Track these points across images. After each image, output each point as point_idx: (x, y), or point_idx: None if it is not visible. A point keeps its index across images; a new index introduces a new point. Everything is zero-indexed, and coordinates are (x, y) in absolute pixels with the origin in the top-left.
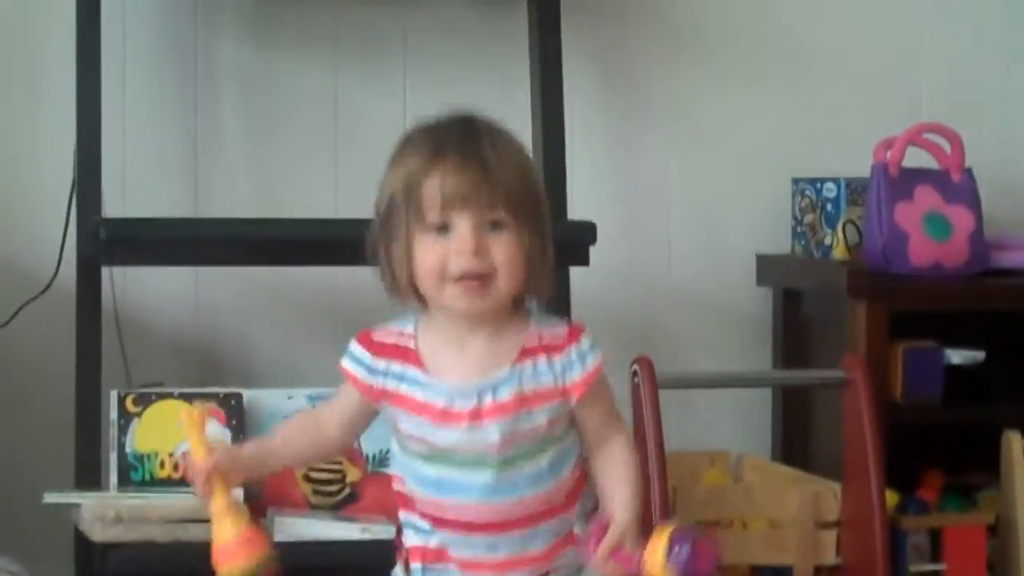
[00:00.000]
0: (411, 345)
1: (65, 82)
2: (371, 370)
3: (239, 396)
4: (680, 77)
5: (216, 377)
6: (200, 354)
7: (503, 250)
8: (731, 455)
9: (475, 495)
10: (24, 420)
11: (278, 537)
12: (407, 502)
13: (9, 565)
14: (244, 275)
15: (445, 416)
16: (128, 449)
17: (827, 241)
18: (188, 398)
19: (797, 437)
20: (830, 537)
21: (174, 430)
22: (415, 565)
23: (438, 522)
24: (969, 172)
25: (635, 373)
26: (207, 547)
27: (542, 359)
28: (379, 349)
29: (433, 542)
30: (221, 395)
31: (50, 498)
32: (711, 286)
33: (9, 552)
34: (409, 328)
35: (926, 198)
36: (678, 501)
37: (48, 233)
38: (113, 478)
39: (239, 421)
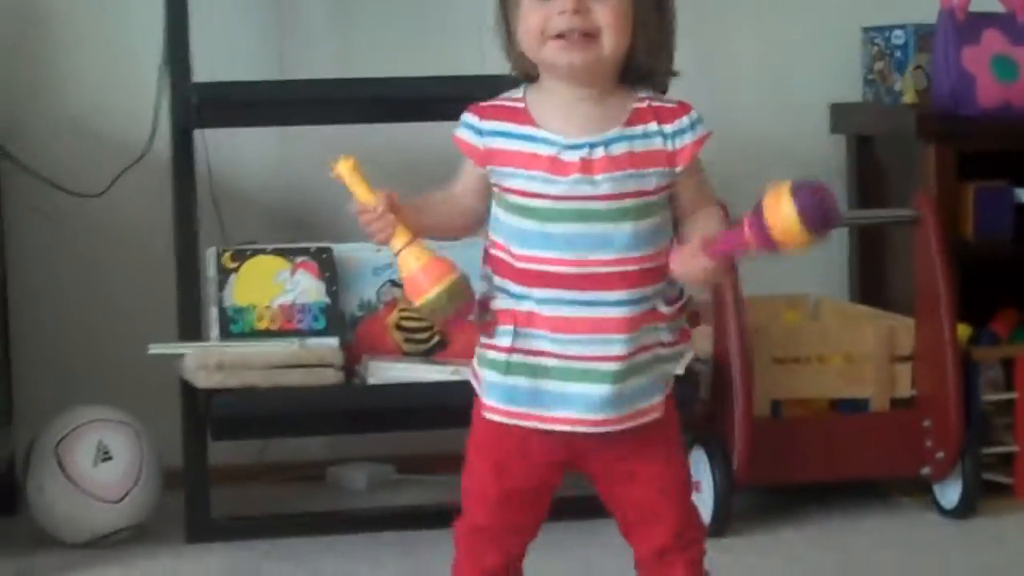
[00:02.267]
0: (520, 107)
1: None
2: (479, 131)
3: (329, 250)
4: None
5: (306, 233)
6: (291, 212)
7: (606, 13)
8: (809, 297)
9: (573, 248)
10: (128, 280)
11: (371, 381)
12: (503, 267)
13: (118, 414)
14: (330, 134)
15: (555, 165)
16: (227, 303)
17: (897, 87)
18: (282, 253)
19: (873, 278)
20: (905, 370)
21: (270, 284)
22: (505, 327)
23: (534, 280)
24: None
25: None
26: (306, 392)
27: (652, 124)
28: (486, 112)
29: (525, 306)
30: (312, 249)
31: (155, 349)
32: (785, 136)
33: (118, 402)
34: (518, 94)
35: (993, 41)
36: (757, 340)
37: (141, 102)
38: (214, 330)
39: (332, 274)
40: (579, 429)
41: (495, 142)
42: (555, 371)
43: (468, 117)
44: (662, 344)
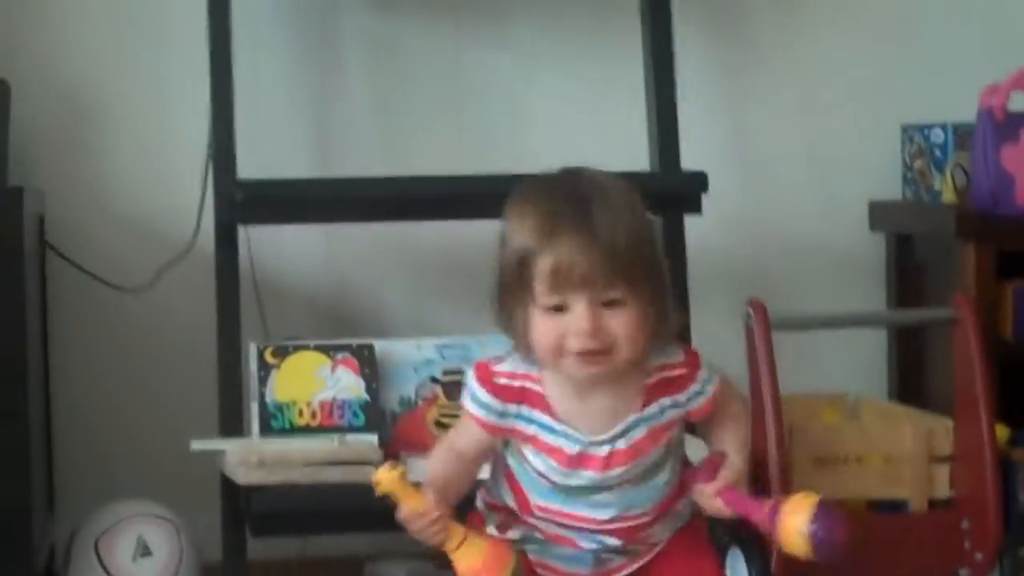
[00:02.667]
0: (537, 390)
1: (199, 50)
2: (499, 414)
3: (371, 347)
4: (789, 27)
5: (348, 329)
6: (333, 308)
7: (622, 325)
8: (847, 396)
9: (598, 510)
10: (169, 375)
11: (412, 478)
12: (522, 502)
13: (158, 509)
14: (372, 231)
15: (577, 462)
16: (268, 399)
17: (936, 186)
18: (323, 349)
19: (911, 377)
20: (943, 471)
21: (311, 380)
22: (516, 529)
23: (556, 527)
24: None
25: (748, 315)
26: (345, 488)
27: (666, 399)
28: (504, 393)
29: (540, 546)
30: (354, 346)
31: (197, 445)
32: (824, 232)
33: (158, 496)
34: (534, 372)
35: None
36: (794, 439)
37: (186, 197)
38: (255, 426)
39: (372, 370)
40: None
41: (516, 424)
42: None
43: (484, 397)
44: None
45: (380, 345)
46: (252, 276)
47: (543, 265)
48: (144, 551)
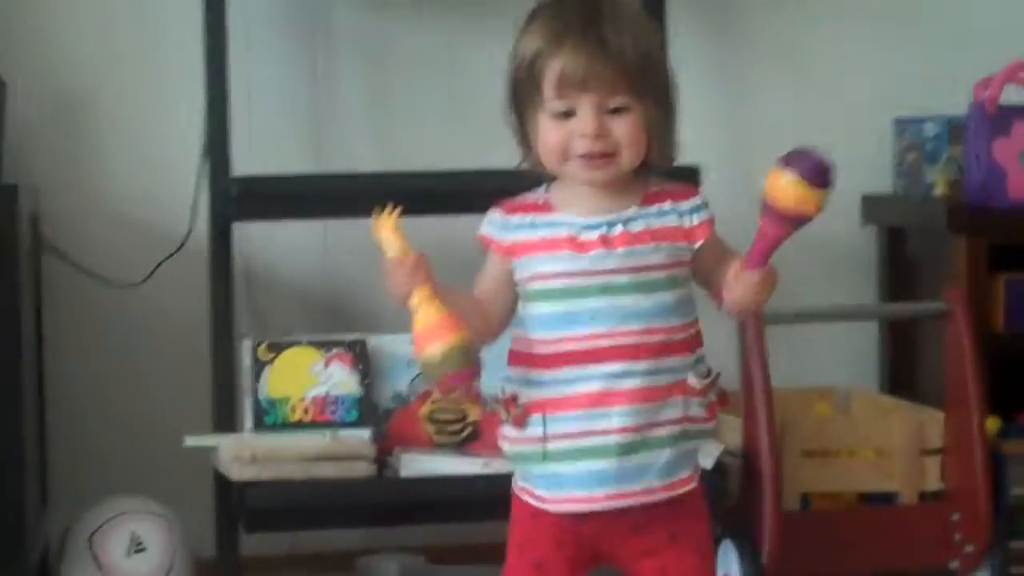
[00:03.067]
0: (543, 201)
1: (194, 48)
2: (504, 227)
3: (363, 342)
4: (783, 23)
5: (342, 325)
6: (326, 303)
7: (625, 130)
8: (839, 389)
9: (600, 322)
10: (163, 370)
11: (404, 473)
12: (527, 358)
13: (152, 505)
14: (366, 226)
15: (577, 244)
16: (261, 395)
17: (928, 179)
18: (317, 345)
19: (903, 370)
20: (934, 463)
21: (304, 375)
22: (535, 416)
23: (564, 360)
24: None
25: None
26: (338, 484)
27: (667, 203)
28: (512, 208)
29: (552, 391)
30: (347, 341)
31: (190, 441)
32: (817, 227)
33: (152, 492)
34: (541, 190)
35: None
36: (786, 433)
37: (180, 193)
38: (248, 422)
39: (365, 366)
40: (603, 506)
41: (519, 234)
42: (589, 451)
43: (493, 214)
44: (691, 419)
45: (373, 340)
46: (246, 272)
47: (552, 69)
48: (138, 547)
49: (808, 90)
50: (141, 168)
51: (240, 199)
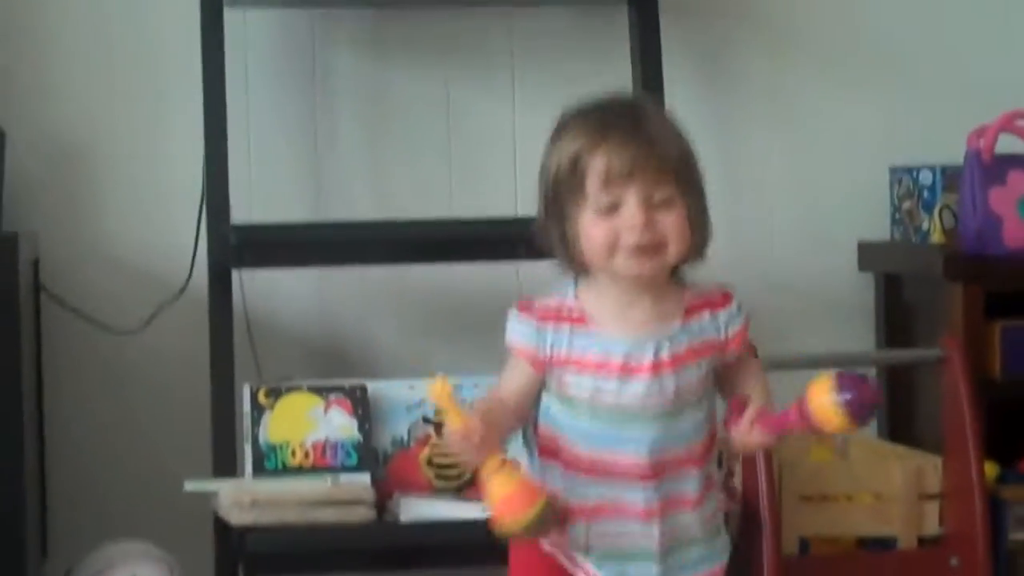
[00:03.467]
0: (575, 306)
1: (192, 96)
2: (538, 335)
3: (363, 387)
4: (778, 71)
5: (341, 370)
6: (325, 349)
7: (673, 221)
8: (837, 435)
9: (643, 447)
10: (164, 415)
11: (404, 518)
12: (566, 461)
13: (153, 550)
14: (365, 273)
15: (626, 369)
16: (261, 440)
17: (924, 226)
18: (316, 390)
19: (901, 415)
20: (932, 508)
21: (304, 421)
22: (579, 524)
23: (601, 473)
24: None
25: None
26: (339, 528)
27: (706, 314)
28: (543, 314)
29: (592, 498)
30: (347, 387)
31: (190, 486)
32: (814, 273)
33: (153, 536)
34: (569, 295)
35: (1019, 182)
36: (784, 477)
37: (180, 240)
38: (248, 467)
39: (364, 411)
40: None
41: (559, 348)
42: (632, 555)
43: (524, 320)
44: (720, 508)
45: (373, 386)
46: (245, 318)
47: (596, 164)
48: None
49: (805, 139)
50: (141, 215)
51: (239, 246)
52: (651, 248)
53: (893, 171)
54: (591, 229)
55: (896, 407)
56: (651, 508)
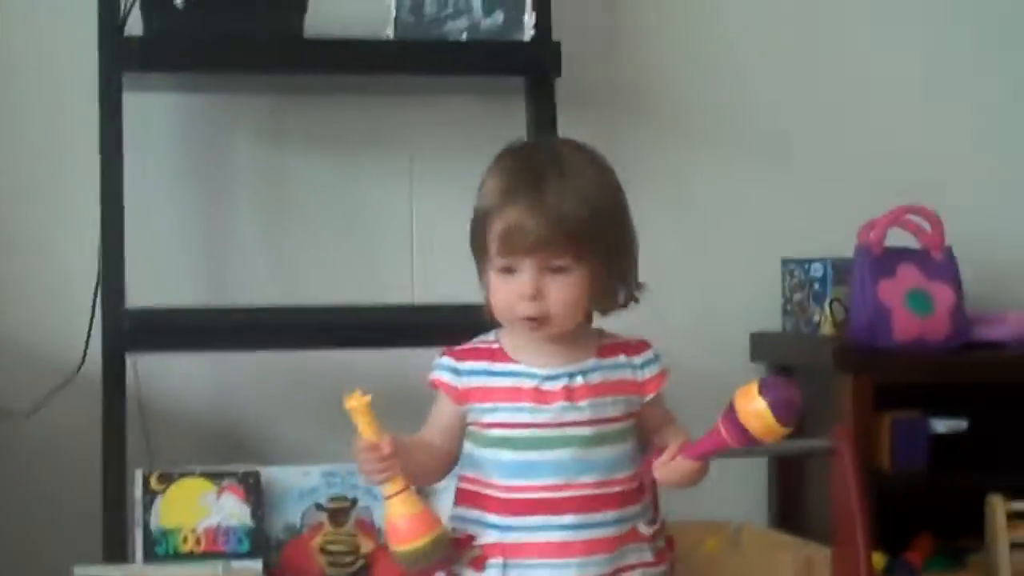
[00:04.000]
0: (496, 347)
1: (90, 177)
2: (457, 372)
3: (257, 474)
4: (672, 163)
5: (236, 455)
6: (220, 433)
7: (560, 294)
8: (731, 525)
9: (559, 474)
10: (54, 499)
11: None
12: (485, 501)
13: None
14: (262, 358)
15: (539, 396)
16: (152, 525)
17: (815, 318)
18: (209, 476)
19: (791, 504)
20: None
21: (196, 506)
22: (495, 561)
23: (523, 508)
24: (949, 251)
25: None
26: None
27: (622, 357)
28: (463, 354)
29: (512, 537)
30: (239, 473)
31: (80, 572)
32: (706, 363)
33: None
34: (490, 336)
35: (908, 276)
36: (677, 569)
37: (74, 324)
38: (139, 552)
39: (257, 497)
40: None
41: (474, 381)
42: None
43: (446, 360)
44: (646, 565)
45: (266, 472)
46: (138, 402)
47: (496, 227)
48: None
49: (697, 230)
50: (35, 297)
51: (133, 330)
52: (540, 319)
53: (785, 263)
54: (495, 289)
55: (786, 496)
56: (568, 544)
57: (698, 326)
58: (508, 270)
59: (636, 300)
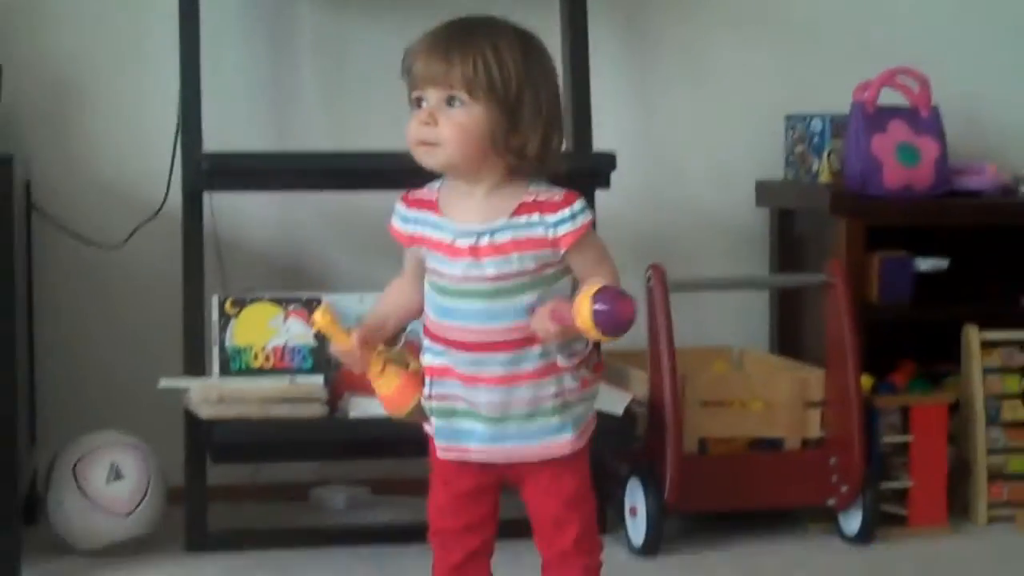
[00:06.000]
0: (433, 197)
1: (170, 37)
2: (404, 219)
3: (318, 299)
4: (690, 33)
5: (299, 283)
6: (285, 265)
7: (450, 122)
8: (734, 349)
9: (471, 320)
10: (141, 321)
11: (353, 414)
12: (427, 330)
13: (130, 439)
14: (321, 198)
15: (452, 250)
16: (227, 344)
17: (814, 168)
18: (277, 301)
19: (789, 333)
20: (815, 414)
21: (265, 328)
22: (429, 380)
23: (445, 343)
24: (936, 109)
25: (649, 278)
26: (295, 422)
27: (535, 215)
28: (411, 203)
29: (439, 361)
30: (303, 298)
31: (164, 384)
32: (717, 208)
33: (130, 427)
34: (436, 186)
35: (898, 131)
36: (687, 386)
37: (157, 166)
38: (215, 368)
39: None
40: (494, 460)
41: (416, 228)
42: (463, 413)
43: (398, 207)
44: (568, 391)
45: (327, 298)
46: (215, 235)
47: (412, 65)
48: (117, 475)
49: (711, 90)
50: (123, 143)
51: (210, 172)
52: (429, 144)
53: (788, 119)
54: (409, 120)
55: (785, 325)
56: (475, 375)
57: (711, 175)
58: (418, 102)
59: (551, 164)
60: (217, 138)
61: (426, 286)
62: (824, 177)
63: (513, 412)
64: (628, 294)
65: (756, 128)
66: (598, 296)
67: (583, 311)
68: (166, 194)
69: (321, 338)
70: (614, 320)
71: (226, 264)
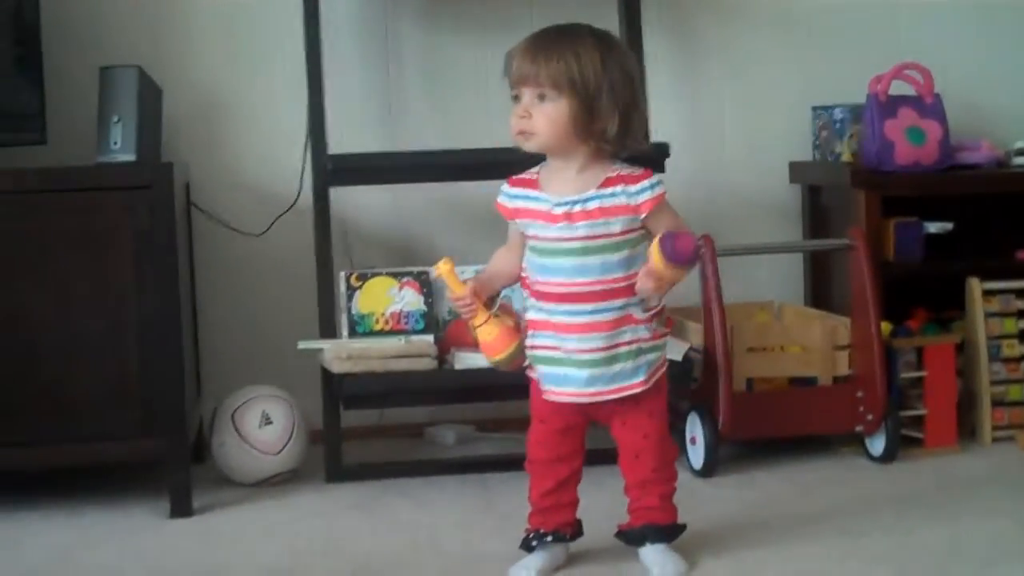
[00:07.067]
0: (534, 178)
1: (297, 59)
2: (509, 196)
3: (427, 272)
4: (731, 34)
5: (410, 259)
6: (399, 245)
7: (541, 115)
8: (774, 303)
9: (563, 275)
10: (283, 295)
11: (458, 366)
12: (530, 290)
13: (278, 391)
14: (428, 188)
15: (549, 217)
16: (353, 311)
17: (837, 150)
18: (393, 275)
19: (821, 288)
20: (844, 356)
21: (384, 297)
22: (532, 332)
23: (544, 297)
24: (938, 96)
25: (700, 246)
26: (411, 374)
27: (619, 187)
28: (514, 183)
29: (539, 316)
30: (415, 272)
31: (303, 345)
32: (756, 185)
33: (277, 381)
34: (535, 170)
35: (907, 116)
36: (734, 334)
37: (291, 166)
38: (344, 331)
39: (428, 289)
40: (582, 400)
41: (517, 203)
42: (559, 360)
43: (504, 187)
44: (642, 340)
45: (434, 272)
46: (341, 222)
47: (510, 66)
48: (267, 421)
49: (748, 86)
50: (263, 149)
51: (334, 170)
52: (525, 133)
53: (814, 109)
54: (511, 115)
55: (817, 282)
56: (567, 324)
57: (749, 157)
58: (516, 98)
59: (632, 145)
60: (339, 141)
61: (527, 253)
62: (846, 157)
63: (599, 357)
64: (682, 234)
65: (787, 117)
66: (664, 236)
67: (654, 252)
68: (299, 190)
69: (433, 298)
70: (676, 250)
71: (351, 245)
